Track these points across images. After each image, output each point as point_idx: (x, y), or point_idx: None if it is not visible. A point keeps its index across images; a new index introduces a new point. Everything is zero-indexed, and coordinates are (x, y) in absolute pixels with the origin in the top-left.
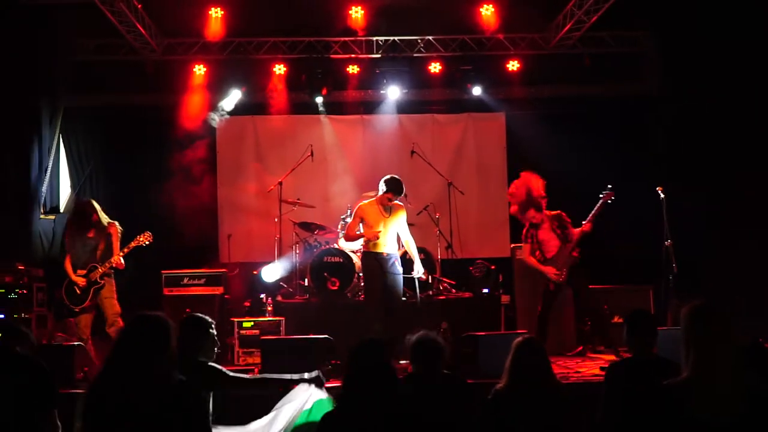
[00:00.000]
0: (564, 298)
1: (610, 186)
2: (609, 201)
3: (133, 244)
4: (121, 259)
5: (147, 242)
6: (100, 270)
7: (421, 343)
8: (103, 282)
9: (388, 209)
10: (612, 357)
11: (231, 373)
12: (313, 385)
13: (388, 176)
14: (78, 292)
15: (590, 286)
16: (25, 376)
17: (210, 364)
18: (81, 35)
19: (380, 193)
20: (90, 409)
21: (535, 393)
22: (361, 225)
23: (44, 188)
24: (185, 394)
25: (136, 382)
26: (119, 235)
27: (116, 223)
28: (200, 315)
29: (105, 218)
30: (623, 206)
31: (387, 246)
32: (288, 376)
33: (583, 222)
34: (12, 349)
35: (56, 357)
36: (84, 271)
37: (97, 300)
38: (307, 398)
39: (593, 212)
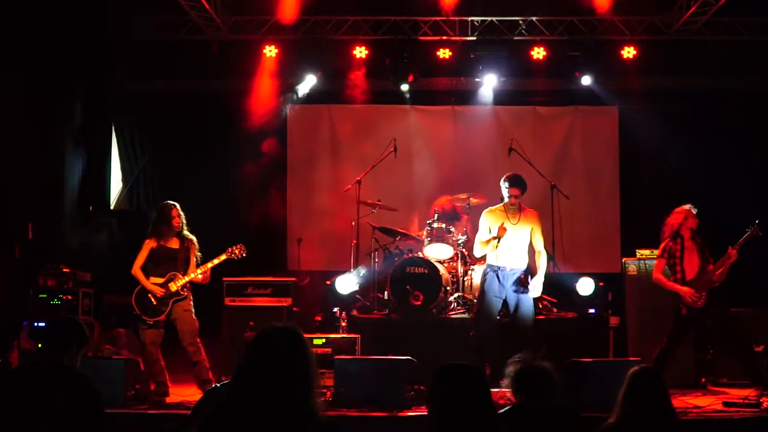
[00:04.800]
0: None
1: (757, 221)
2: (758, 234)
3: (224, 257)
4: (208, 274)
5: (241, 255)
6: (180, 280)
7: (525, 375)
8: (184, 294)
9: (516, 215)
10: (742, 392)
11: None
12: None
13: (507, 174)
14: (153, 302)
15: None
16: (72, 394)
17: None
18: (137, 11)
19: (504, 194)
20: None
21: (652, 430)
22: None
23: (94, 184)
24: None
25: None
26: (196, 252)
27: (194, 239)
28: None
29: (185, 230)
30: (755, 216)
31: (510, 259)
32: None
33: (730, 247)
34: (59, 363)
35: (103, 372)
36: (162, 279)
37: (174, 314)
38: None
39: (740, 241)
